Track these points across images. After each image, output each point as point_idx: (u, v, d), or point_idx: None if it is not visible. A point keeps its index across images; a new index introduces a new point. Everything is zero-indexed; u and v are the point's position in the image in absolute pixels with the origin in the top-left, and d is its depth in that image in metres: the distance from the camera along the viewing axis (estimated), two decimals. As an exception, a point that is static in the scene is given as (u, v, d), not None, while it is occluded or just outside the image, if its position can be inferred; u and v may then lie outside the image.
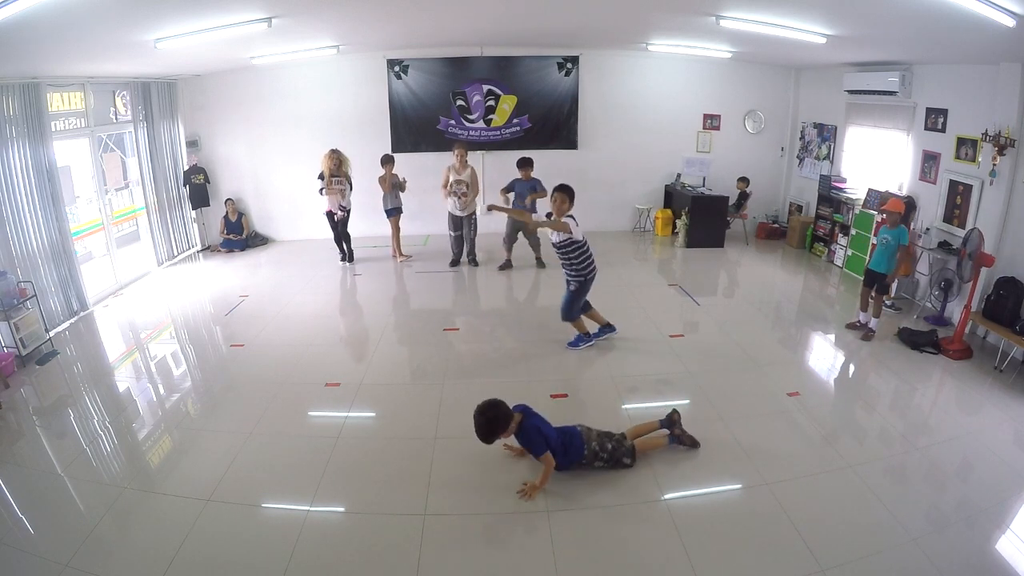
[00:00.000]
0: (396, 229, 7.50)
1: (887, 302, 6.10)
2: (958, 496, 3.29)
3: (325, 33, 6.39)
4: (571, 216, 4.63)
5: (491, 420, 3.20)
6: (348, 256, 7.71)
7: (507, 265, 7.27)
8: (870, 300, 5.40)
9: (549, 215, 4.75)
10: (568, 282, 4.85)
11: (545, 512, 3.13)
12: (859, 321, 5.52)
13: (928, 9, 3.86)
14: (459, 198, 6.95)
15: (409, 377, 4.79)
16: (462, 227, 7.18)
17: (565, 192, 4.64)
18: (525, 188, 6.83)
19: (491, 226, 8.39)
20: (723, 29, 5.55)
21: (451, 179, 6.94)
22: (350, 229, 7.59)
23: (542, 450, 3.24)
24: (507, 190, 6.99)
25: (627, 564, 2.81)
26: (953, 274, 5.34)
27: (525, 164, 6.86)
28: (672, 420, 3.69)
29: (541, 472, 3.28)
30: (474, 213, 7.11)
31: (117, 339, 5.73)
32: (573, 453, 3.36)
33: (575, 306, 4.89)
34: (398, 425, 4.02)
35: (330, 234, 7.60)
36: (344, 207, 7.30)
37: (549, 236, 4.77)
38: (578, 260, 4.69)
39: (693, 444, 3.64)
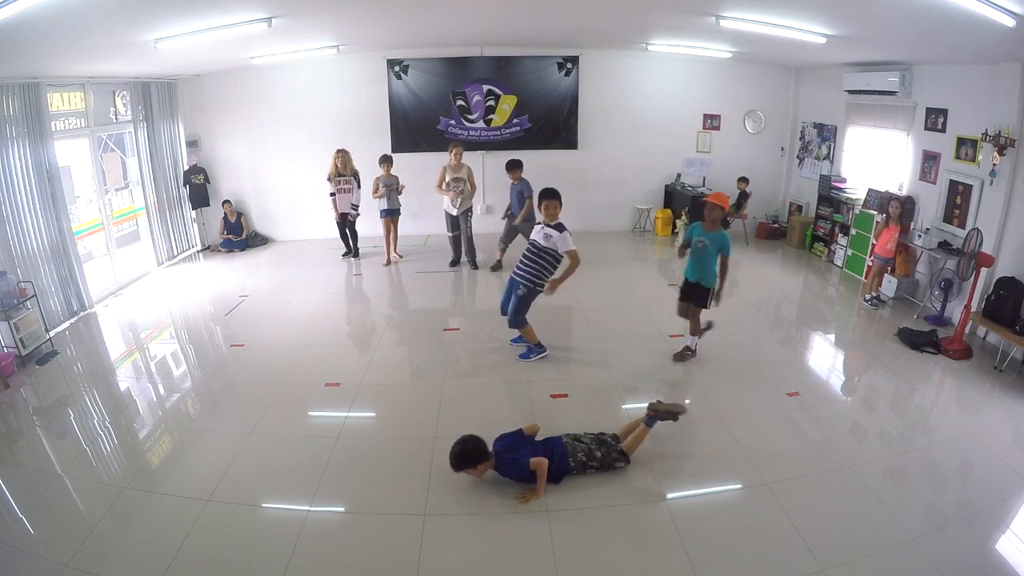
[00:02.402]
0: (388, 231, 7.48)
1: (865, 297, 6.11)
2: (958, 496, 3.29)
3: (325, 33, 6.40)
4: (563, 227, 4.52)
5: (463, 453, 3.20)
6: (354, 252, 7.78)
7: (498, 267, 7.25)
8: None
9: (540, 223, 4.65)
10: (517, 285, 4.60)
11: (545, 512, 3.13)
12: (688, 347, 4.83)
13: (928, 9, 3.86)
14: (455, 196, 6.93)
15: (409, 377, 4.79)
16: (459, 226, 7.17)
17: (556, 199, 4.56)
18: (515, 192, 6.81)
19: (490, 226, 8.40)
20: (723, 29, 5.55)
21: (447, 177, 6.93)
22: (357, 227, 7.71)
23: (525, 471, 3.23)
24: (508, 210, 6.91)
25: (627, 564, 2.81)
26: (953, 274, 5.34)
27: (514, 167, 6.74)
28: (651, 416, 3.59)
29: (537, 483, 3.25)
30: (469, 211, 7.08)
31: (117, 339, 5.73)
32: (556, 467, 3.31)
33: (522, 311, 4.68)
34: (398, 425, 4.02)
35: (332, 233, 7.63)
36: (355, 205, 7.39)
37: (533, 235, 4.63)
38: (545, 268, 4.57)
39: (672, 412, 3.55)
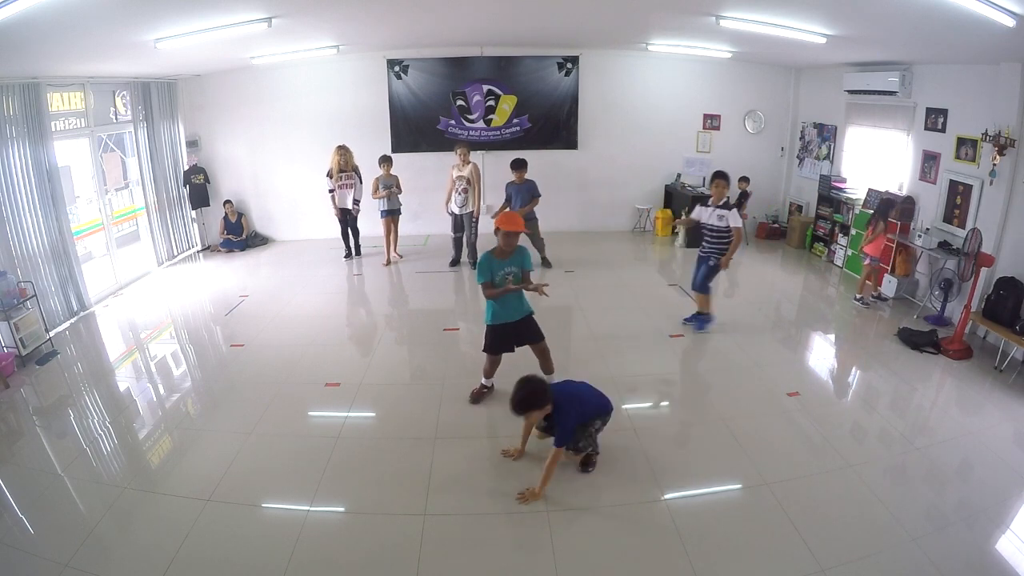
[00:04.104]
0: (388, 231, 7.47)
1: (857, 296, 6.10)
2: (958, 496, 3.29)
3: (325, 33, 6.40)
4: (730, 204, 5.14)
5: (530, 394, 3.12)
6: (356, 250, 7.77)
7: None
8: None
9: (706, 199, 5.24)
10: (708, 258, 5.26)
11: (545, 512, 3.13)
12: (484, 385, 4.21)
13: (928, 9, 3.86)
14: (460, 194, 6.94)
15: (409, 377, 4.79)
16: (463, 228, 7.17)
17: (725, 179, 5.14)
18: (523, 191, 6.78)
19: (490, 225, 8.37)
20: (723, 29, 5.55)
21: (453, 175, 6.94)
22: (359, 226, 7.67)
23: (567, 438, 3.15)
24: (505, 205, 6.89)
25: (627, 564, 2.81)
26: (953, 274, 5.34)
27: (519, 166, 6.75)
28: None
29: (542, 476, 3.21)
30: (473, 213, 7.07)
31: (117, 339, 5.73)
32: (591, 410, 3.30)
33: (711, 280, 5.34)
34: (398, 425, 4.02)
35: (332, 233, 7.61)
36: (357, 200, 7.37)
37: (707, 219, 5.17)
38: (717, 242, 5.20)
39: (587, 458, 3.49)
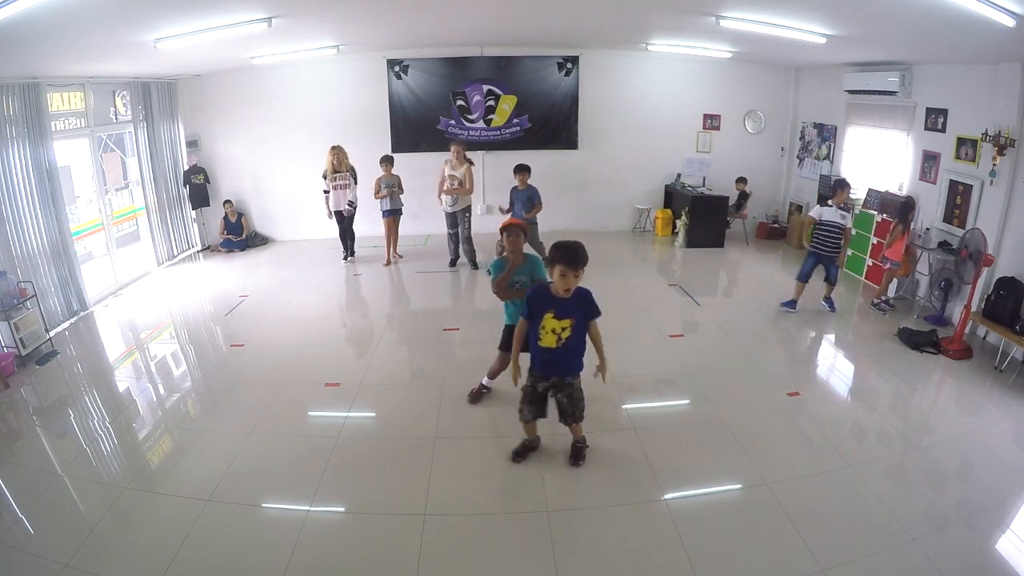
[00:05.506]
0: (390, 231, 7.47)
1: (884, 298, 6.07)
2: (958, 496, 3.28)
3: (325, 33, 6.40)
4: (849, 207, 5.80)
5: (581, 248, 3.07)
6: (350, 252, 7.74)
7: None
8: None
9: (824, 200, 5.86)
10: (824, 258, 5.75)
11: (545, 512, 3.13)
12: (484, 385, 4.20)
13: (928, 9, 3.86)
14: (449, 194, 6.94)
15: (409, 377, 4.79)
16: (456, 224, 7.17)
17: (848, 186, 5.84)
18: (522, 197, 6.79)
19: (490, 226, 8.39)
20: (723, 29, 5.55)
21: (446, 173, 6.94)
22: (356, 227, 7.62)
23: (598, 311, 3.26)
24: (509, 208, 6.90)
25: (627, 564, 2.81)
26: (953, 274, 5.34)
27: (522, 170, 6.75)
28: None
29: (599, 352, 3.42)
30: (467, 210, 7.06)
31: (117, 339, 5.73)
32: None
33: (809, 271, 5.86)
34: (398, 425, 4.02)
35: (332, 233, 7.61)
36: (352, 203, 7.34)
37: (819, 216, 5.72)
38: (836, 240, 5.67)
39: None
